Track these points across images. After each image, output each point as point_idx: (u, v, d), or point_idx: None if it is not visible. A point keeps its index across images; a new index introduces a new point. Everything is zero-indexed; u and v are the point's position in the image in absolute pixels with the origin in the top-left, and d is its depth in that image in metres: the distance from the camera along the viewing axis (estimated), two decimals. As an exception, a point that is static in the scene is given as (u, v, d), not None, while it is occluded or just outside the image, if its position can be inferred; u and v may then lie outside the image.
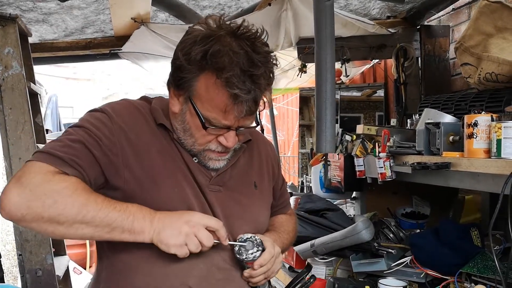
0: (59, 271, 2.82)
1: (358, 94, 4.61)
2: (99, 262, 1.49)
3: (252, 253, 1.39)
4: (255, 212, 1.51)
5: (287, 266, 2.87)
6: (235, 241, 1.41)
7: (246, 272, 1.44)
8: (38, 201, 1.21)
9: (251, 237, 1.41)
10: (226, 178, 1.47)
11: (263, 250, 1.41)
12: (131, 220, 1.27)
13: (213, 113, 1.30)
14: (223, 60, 1.25)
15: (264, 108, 1.38)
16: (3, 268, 2.77)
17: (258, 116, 1.38)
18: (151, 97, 1.53)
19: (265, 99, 1.35)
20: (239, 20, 1.34)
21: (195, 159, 1.42)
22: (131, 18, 3.23)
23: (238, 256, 1.40)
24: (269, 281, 1.53)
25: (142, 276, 1.37)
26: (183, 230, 1.29)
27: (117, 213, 1.26)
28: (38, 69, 3.39)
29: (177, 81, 1.34)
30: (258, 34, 1.32)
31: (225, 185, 1.46)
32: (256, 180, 1.55)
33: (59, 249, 3.12)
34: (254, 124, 1.39)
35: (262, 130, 1.43)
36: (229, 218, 1.43)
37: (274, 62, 1.33)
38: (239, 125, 1.34)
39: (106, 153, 1.32)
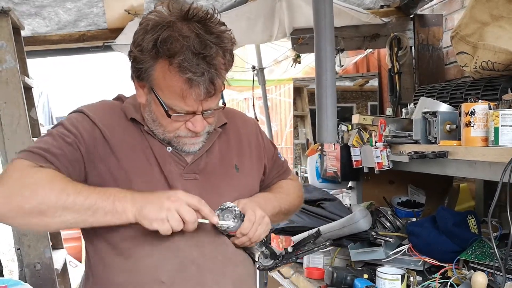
0: (57, 265, 2.82)
1: (351, 84, 4.63)
2: (86, 261, 1.51)
3: (231, 225, 1.38)
4: (235, 197, 1.47)
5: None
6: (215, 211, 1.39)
7: (231, 240, 1.43)
8: (17, 195, 1.23)
9: (231, 206, 1.39)
10: (202, 165, 1.45)
11: (242, 219, 1.39)
12: (111, 201, 1.26)
13: (173, 100, 1.30)
14: (174, 46, 1.25)
15: (224, 88, 1.36)
16: (2, 262, 2.76)
17: (223, 96, 1.38)
18: (127, 96, 1.54)
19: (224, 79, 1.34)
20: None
21: (169, 149, 1.42)
22: (125, 10, 3.22)
23: (218, 228, 1.38)
24: (265, 241, 1.50)
25: (120, 272, 1.38)
26: (165, 205, 1.27)
27: (97, 195, 1.26)
28: (30, 62, 3.36)
29: (136, 73, 1.35)
30: (209, 15, 1.31)
31: (201, 172, 1.45)
32: (237, 162, 1.53)
33: (56, 243, 3.13)
34: (220, 105, 1.39)
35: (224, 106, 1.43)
36: None
37: (230, 40, 1.32)
38: (203, 109, 1.33)
39: (84, 146, 1.35)
